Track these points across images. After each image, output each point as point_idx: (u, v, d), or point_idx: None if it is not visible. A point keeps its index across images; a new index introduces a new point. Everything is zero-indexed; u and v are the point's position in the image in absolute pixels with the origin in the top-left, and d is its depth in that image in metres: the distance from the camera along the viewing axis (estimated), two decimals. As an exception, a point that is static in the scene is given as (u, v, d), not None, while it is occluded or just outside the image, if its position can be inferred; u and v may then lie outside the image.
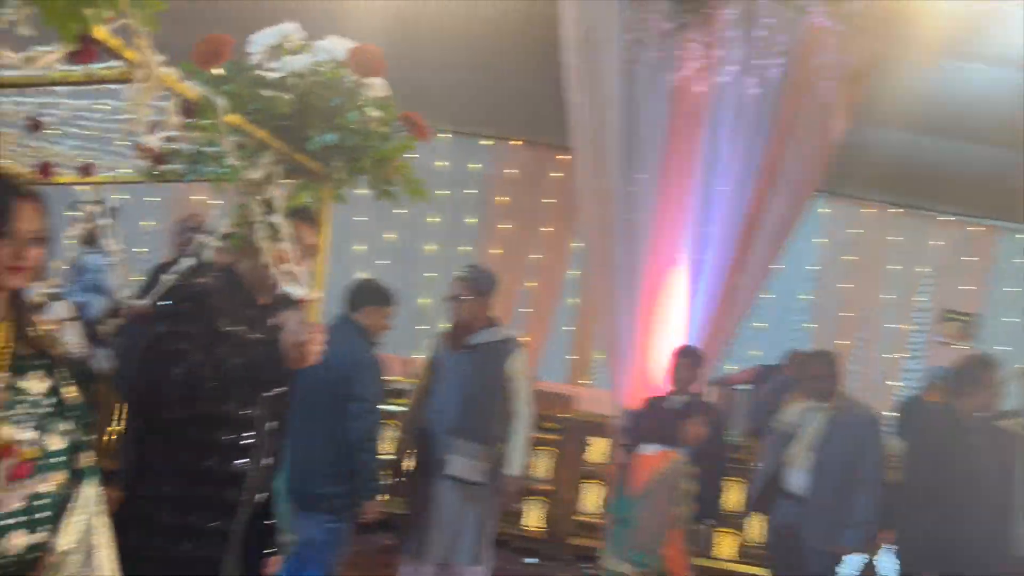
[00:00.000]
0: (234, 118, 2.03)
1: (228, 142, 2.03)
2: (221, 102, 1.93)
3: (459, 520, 4.09)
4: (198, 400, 2.32)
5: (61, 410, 1.86)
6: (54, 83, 1.74)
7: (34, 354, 1.85)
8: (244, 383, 2.37)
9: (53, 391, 1.86)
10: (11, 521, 1.74)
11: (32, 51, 1.64)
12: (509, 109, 6.32)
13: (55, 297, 3.29)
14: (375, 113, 2.29)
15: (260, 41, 2.26)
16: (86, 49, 1.53)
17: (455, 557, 4.10)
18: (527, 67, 5.16)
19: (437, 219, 7.18)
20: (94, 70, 1.65)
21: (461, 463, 4.06)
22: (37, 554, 1.79)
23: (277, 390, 2.49)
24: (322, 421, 3.74)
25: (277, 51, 2.25)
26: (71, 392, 1.89)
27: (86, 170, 2.35)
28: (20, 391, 1.80)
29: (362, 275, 6.75)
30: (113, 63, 1.66)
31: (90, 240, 3.80)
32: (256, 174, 2.17)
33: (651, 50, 4.59)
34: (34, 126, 2.06)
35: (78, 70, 1.64)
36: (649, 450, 4.11)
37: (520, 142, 7.17)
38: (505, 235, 7.19)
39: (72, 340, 3.25)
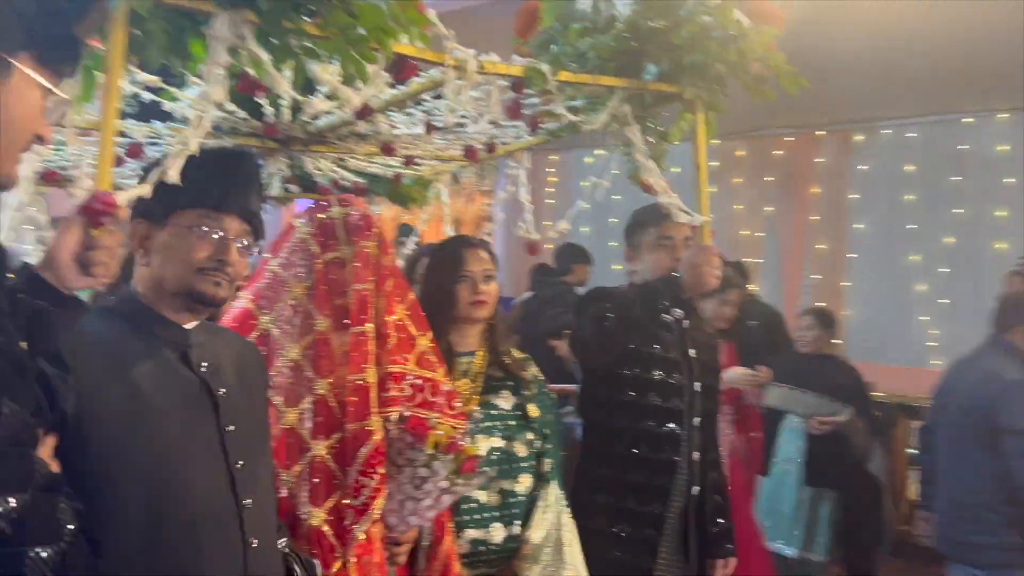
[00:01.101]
0: (567, 75, 2.12)
1: (559, 101, 2.14)
2: (545, 67, 2.05)
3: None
4: (622, 387, 2.46)
5: (525, 423, 2.19)
6: (410, 98, 2.11)
7: (504, 376, 2.22)
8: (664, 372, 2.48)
9: (518, 407, 2.20)
10: (489, 515, 2.10)
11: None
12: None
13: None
14: (705, 18, 2.16)
15: None
16: (403, 66, 1.81)
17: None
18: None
19: (1004, 212, 6.23)
20: (433, 77, 1.95)
21: None
22: (513, 545, 2.12)
23: (700, 385, 2.51)
24: (969, 457, 3.26)
25: None
26: (533, 408, 2.20)
27: (490, 148, 2.71)
28: (491, 406, 2.17)
29: (920, 287, 6.25)
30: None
31: None
32: (600, 121, 2.24)
33: None
34: (430, 128, 2.46)
35: (424, 79, 1.96)
36: None
37: (1108, 103, 5.89)
38: (1106, 219, 5.93)
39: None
